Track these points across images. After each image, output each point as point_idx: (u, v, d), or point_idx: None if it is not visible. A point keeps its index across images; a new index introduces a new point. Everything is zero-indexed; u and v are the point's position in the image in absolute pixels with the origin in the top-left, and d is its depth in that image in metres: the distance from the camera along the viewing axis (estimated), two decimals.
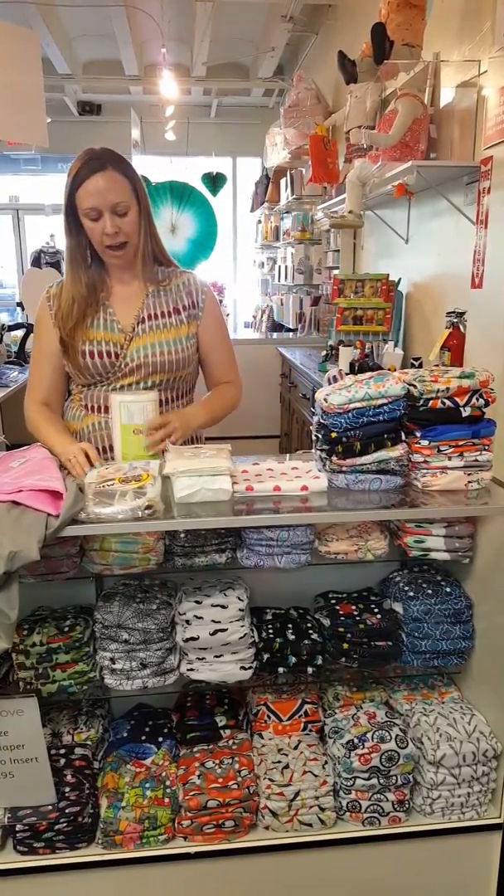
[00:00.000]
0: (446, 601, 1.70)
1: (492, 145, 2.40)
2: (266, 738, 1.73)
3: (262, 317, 7.23)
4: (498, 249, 2.41)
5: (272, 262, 7.68)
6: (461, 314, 2.59)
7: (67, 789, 1.56)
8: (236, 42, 6.40)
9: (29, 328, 5.04)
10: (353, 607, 1.77)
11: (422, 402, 1.59)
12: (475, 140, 2.57)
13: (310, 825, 1.62)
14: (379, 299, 3.23)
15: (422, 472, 1.60)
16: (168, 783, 1.61)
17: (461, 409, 1.59)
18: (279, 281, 7.09)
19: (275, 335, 6.54)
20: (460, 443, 1.59)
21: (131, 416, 1.71)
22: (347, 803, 1.63)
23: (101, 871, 1.57)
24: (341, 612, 1.75)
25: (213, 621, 1.61)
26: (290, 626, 1.73)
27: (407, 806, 1.65)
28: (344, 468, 1.62)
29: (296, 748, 1.69)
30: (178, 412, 1.84)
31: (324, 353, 4.05)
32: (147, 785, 1.60)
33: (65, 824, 1.56)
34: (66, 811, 1.55)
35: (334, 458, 1.61)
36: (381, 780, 1.61)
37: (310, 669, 1.66)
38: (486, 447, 1.61)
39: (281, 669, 1.66)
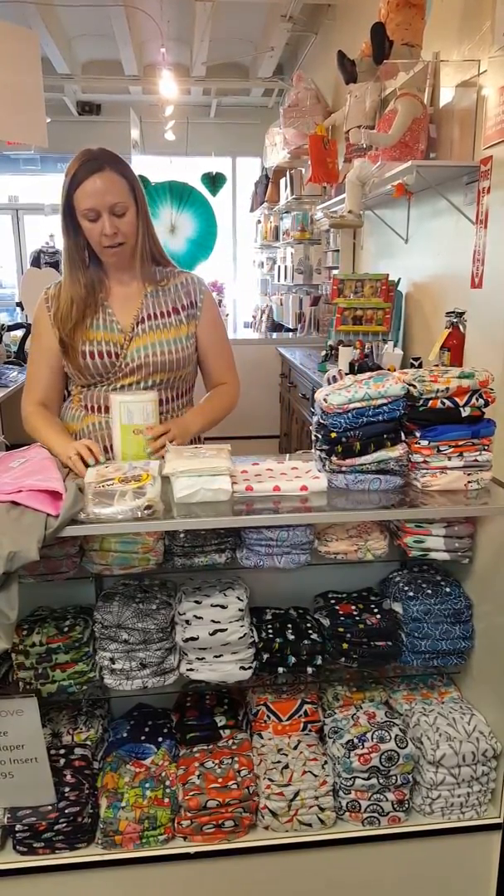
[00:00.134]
0: (446, 601, 1.70)
1: (491, 145, 2.40)
2: (266, 738, 1.73)
3: (261, 317, 7.23)
4: (498, 249, 2.41)
5: (272, 262, 7.69)
6: (461, 314, 2.59)
7: (67, 789, 1.56)
8: (236, 42, 6.40)
9: (28, 328, 5.04)
10: (353, 607, 1.77)
11: (421, 402, 1.59)
12: (475, 140, 2.57)
13: (309, 825, 1.62)
14: (378, 299, 3.23)
15: (421, 472, 1.60)
16: (168, 783, 1.61)
17: (461, 409, 1.59)
18: (279, 281, 7.09)
19: (274, 335, 6.54)
20: (460, 443, 1.59)
21: (131, 416, 1.72)
22: (347, 803, 1.63)
23: (101, 872, 1.57)
24: (341, 612, 1.75)
25: (213, 621, 1.61)
26: (289, 626, 1.73)
27: (407, 806, 1.65)
28: (343, 468, 1.61)
29: (295, 748, 1.69)
30: (177, 420, 1.85)
31: (323, 353, 4.05)
32: (147, 785, 1.60)
33: (64, 824, 1.55)
34: (66, 811, 1.55)
35: (334, 459, 1.61)
36: (381, 780, 1.61)
37: (309, 669, 1.66)
38: (486, 447, 1.60)
39: (280, 669, 1.66)
